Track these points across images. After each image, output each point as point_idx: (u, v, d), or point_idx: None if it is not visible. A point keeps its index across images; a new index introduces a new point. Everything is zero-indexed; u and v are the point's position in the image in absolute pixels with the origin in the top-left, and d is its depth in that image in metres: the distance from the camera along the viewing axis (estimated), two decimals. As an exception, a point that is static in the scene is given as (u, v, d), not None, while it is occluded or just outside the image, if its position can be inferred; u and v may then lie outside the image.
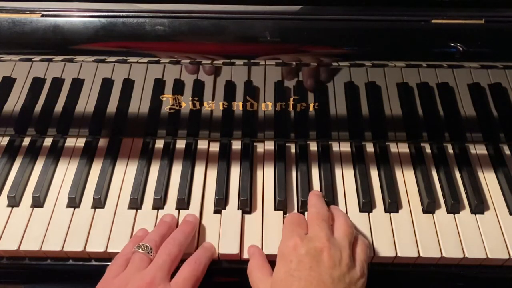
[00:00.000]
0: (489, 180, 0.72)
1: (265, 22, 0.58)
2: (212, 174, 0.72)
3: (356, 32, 0.59)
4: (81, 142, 0.75)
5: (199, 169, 0.72)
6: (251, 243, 0.64)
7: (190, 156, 0.73)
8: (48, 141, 0.75)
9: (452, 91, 0.68)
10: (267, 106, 0.70)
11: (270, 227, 0.65)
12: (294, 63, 0.61)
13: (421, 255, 0.63)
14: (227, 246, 0.63)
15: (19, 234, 0.64)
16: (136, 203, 0.68)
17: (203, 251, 0.62)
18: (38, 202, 0.68)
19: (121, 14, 0.58)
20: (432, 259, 0.63)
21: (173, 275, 0.58)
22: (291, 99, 0.69)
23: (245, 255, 0.63)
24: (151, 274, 0.56)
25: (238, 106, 0.70)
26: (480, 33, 0.58)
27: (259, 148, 0.75)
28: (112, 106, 0.71)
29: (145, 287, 0.54)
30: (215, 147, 0.75)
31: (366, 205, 0.68)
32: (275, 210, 0.68)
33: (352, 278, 0.55)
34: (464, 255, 0.63)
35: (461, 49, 0.58)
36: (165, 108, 0.71)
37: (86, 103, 0.70)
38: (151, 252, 0.59)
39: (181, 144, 0.75)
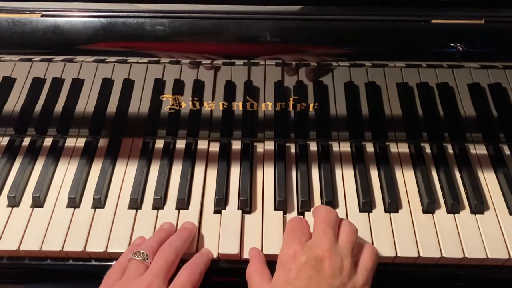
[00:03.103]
0: (489, 180, 0.72)
1: (265, 22, 0.58)
2: (212, 174, 0.72)
3: (356, 32, 0.59)
4: (81, 142, 0.75)
5: (199, 169, 0.72)
6: (251, 243, 0.64)
7: (190, 156, 0.73)
8: (48, 141, 0.75)
9: (452, 91, 0.68)
10: (267, 106, 0.70)
11: (270, 227, 0.65)
12: (294, 63, 0.61)
13: (421, 255, 0.63)
14: (227, 246, 0.63)
15: (19, 234, 0.64)
16: (136, 203, 0.68)
17: (201, 256, 0.62)
18: (38, 202, 0.68)
19: (121, 14, 0.58)
20: (432, 259, 0.63)
21: (171, 280, 0.58)
22: (291, 99, 0.69)
23: (245, 255, 0.63)
24: (147, 280, 0.55)
25: (238, 106, 0.70)
26: (480, 33, 0.58)
27: (259, 148, 0.75)
28: (112, 106, 0.71)
29: None
30: (215, 147, 0.75)
31: (366, 205, 0.68)
32: (275, 210, 0.68)
33: (353, 287, 0.54)
34: (464, 255, 0.63)
35: (461, 49, 0.58)
36: (165, 108, 0.71)
37: (86, 103, 0.71)
38: (147, 258, 0.58)
39: (181, 144, 0.75)
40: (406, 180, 0.72)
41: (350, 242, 0.57)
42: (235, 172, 0.72)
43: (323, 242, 0.56)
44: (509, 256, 0.63)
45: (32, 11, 0.58)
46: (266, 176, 0.72)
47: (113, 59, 0.60)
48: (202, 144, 0.76)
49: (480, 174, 0.73)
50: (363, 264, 0.57)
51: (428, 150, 0.75)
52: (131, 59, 0.60)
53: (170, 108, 0.71)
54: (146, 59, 0.60)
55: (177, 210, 0.68)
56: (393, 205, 0.67)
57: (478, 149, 0.76)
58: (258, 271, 0.59)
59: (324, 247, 0.55)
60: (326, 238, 0.56)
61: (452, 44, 0.58)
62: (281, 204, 0.68)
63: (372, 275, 0.57)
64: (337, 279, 0.53)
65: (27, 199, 0.68)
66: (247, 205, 0.67)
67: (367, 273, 0.56)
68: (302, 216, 0.66)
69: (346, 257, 0.55)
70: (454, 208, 0.67)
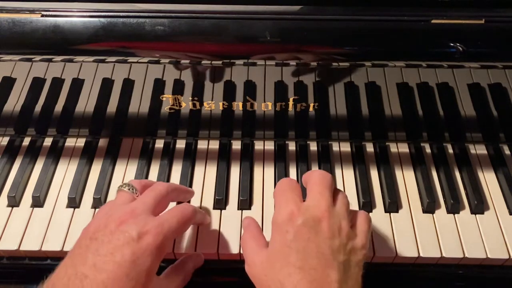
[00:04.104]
0: (489, 180, 0.72)
1: (265, 22, 0.58)
2: (212, 174, 0.72)
3: (356, 32, 0.59)
4: (81, 142, 0.75)
5: (199, 169, 0.72)
6: (251, 243, 0.64)
7: (190, 156, 0.73)
8: (48, 141, 0.75)
9: (452, 91, 0.68)
10: (267, 106, 0.70)
11: (270, 227, 0.65)
12: (294, 63, 0.61)
13: (421, 255, 0.63)
14: (227, 246, 0.63)
15: (19, 234, 0.64)
16: (136, 203, 0.68)
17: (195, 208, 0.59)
18: (38, 202, 0.68)
19: (121, 14, 0.58)
20: (432, 259, 0.63)
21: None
22: (291, 99, 0.69)
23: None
24: (133, 205, 0.54)
25: (238, 106, 0.70)
26: (480, 33, 0.58)
27: (259, 148, 0.75)
28: (112, 106, 0.71)
29: (125, 216, 0.52)
30: (215, 147, 0.75)
31: (366, 205, 0.68)
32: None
33: (352, 248, 0.53)
34: (464, 255, 0.63)
35: (461, 49, 0.58)
36: (165, 108, 0.71)
37: (86, 103, 0.71)
38: (135, 190, 0.57)
39: (181, 144, 0.75)
40: (406, 180, 0.72)
41: (346, 204, 0.56)
42: (235, 172, 0.72)
43: (321, 203, 0.54)
44: (509, 256, 0.63)
45: (32, 11, 0.58)
46: (266, 176, 0.72)
47: (113, 59, 0.60)
48: (202, 144, 0.76)
49: (480, 174, 0.73)
50: (360, 227, 0.55)
51: (428, 150, 0.75)
52: (131, 59, 0.60)
53: (170, 108, 0.71)
54: (146, 59, 0.60)
55: (177, 210, 0.68)
56: (393, 205, 0.67)
57: (478, 149, 0.76)
58: (254, 238, 0.57)
59: (322, 208, 0.53)
60: (323, 199, 0.54)
61: (452, 44, 0.58)
62: (281, 204, 0.67)
63: (368, 239, 0.56)
64: (336, 239, 0.52)
65: (27, 199, 0.68)
66: (247, 205, 0.68)
67: (364, 235, 0.55)
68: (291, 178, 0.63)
69: (344, 218, 0.54)
70: (454, 208, 0.67)
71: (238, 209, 0.68)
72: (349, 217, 0.55)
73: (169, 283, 0.58)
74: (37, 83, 0.68)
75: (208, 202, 0.69)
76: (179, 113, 0.71)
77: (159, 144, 0.75)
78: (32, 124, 0.75)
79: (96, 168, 0.72)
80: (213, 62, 0.60)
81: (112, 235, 0.50)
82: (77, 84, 0.68)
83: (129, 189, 0.57)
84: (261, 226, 0.66)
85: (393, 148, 0.76)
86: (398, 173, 0.72)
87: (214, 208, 0.68)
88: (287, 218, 0.53)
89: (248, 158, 0.73)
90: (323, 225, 0.52)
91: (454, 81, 0.66)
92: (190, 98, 0.69)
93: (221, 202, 0.68)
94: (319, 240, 0.51)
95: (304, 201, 0.55)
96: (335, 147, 0.75)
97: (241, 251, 0.63)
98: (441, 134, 0.75)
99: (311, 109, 0.70)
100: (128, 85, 0.68)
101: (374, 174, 0.72)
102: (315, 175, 0.57)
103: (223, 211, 0.67)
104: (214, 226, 0.66)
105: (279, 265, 0.51)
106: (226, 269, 0.64)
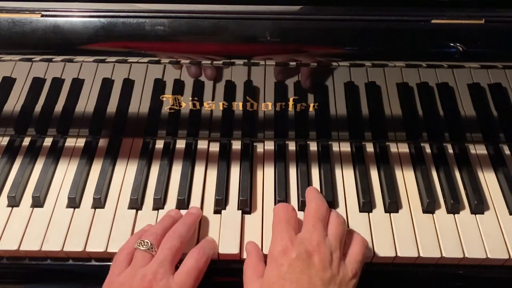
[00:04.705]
0: (489, 180, 0.72)
1: (265, 22, 0.58)
2: (212, 174, 0.72)
3: (356, 32, 0.59)
4: (81, 142, 0.75)
5: (199, 169, 0.72)
6: (251, 243, 0.64)
7: (190, 156, 0.73)
8: (48, 141, 0.75)
9: (452, 91, 0.68)
10: (267, 106, 0.70)
11: (270, 227, 0.65)
12: (294, 63, 0.61)
13: (421, 255, 0.63)
14: (227, 246, 0.63)
15: (19, 234, 0.64)
16: (136, 203, 0.68)
17: (207, 243, 0.62)
18: (38, 202, 0.68)
19: (121, 14, 0.58)
20: (432, 259, 0.63)
21: (177, 267, 0.59)
22: (291, 99, 0.69)
23: (245, 255, 0.63)
24: (153, 270, 0.56)
25: (238, 106, 0.70)
26: (480, 33, 0.58)
27: (259, 148, 0.75)
28: (112, 106, 0.71)
29: (147, 284, 0.55)
30: (215, 147, 0.75)
31: (366, 205, 0.68)
32: (275, 210, 0.68)
33: (342, 279, 0.56)
34: (464, 255, 0.63)
35: (461, 49, 0.58)
36: (165, 108, 0.71)
37: (86, 103, 0.71)
38: (152, 247, 0.59)
39: (181, 144, 0.75)
40: (406, 180, 0.72)
41: (339, 234, 0.59)
42: (235, 172, 0.72)
43: (313, 237, 0.58)
44: (509, 256, 0.63)
45: (32, 11, 0.58)
46: (266, 176, 0.72)
47: (113, 59, 0.60)
48: (202, 144, 0.76)
49: (480, 174, 0.73)
50: (353, 256, 0.59)
51: (428, 150, 0.75)
52: (131, 59, 0.60)
53: (170, 108, 0.71)
54: (146, 59, 0.60)
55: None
56: (393, 205, 0.67)
57: (478, 149, 0.76)
58: (252, 266, 0.60)
59: (313, 242, 0.57)
60: (315, 232, 0.58)
61: (452, 44, 0.58)
62: (281, 204, 0.67)
63: (362, 267, 0.59)
64: (327, 272, 0.55)
65: (27, 199, 0.68)
66: (247, 205, 0.68)
67: (356, 265, 0.58)
68: (288, 204, 0.65)
69: (335, 250, 0.57)
70: (454, 208, 0.67)
71: (238, 209, 0.68)
72: (341, 247, 0.59)
73: (188, 277, 0.58)
74: (37, 83, 0.68)
75: (208, 202, 0.69)
76: (179, 113, 0.71)
77: (159, 144, 0.75)
78: (32, 124, 0.75)
79: (96, 168, 0.72)
80: (213, 62, 0.60)
81: None
82: (77, 84, 0.68)
83: (146, 248, 0.59)
84: (260, 227, 0.66)
85: (393, 148, 0.76)
86: (398, 173, 0.72)
87: (214, 208, 0.68)
88: (282, 251, 0.57)
89: (248, 158, 0.73)
90: (314, 258, 0.56)
91: (454, 81, 0.66)
92: (190, 98, 0.69)
93: (221, 202, 0.67)
94: (311, 272, 0.55)
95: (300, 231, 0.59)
96: (335, 147, 0.75)
97: (241, 253, 0.63)
98: (441, 134, 0.75)
99: (311, 109, 0.70)
100: (128, 85, 0.68)
101: (374, 174, 0.72)
102: (311, 206, 0.62)
103: (223, 211, 0.67)
104: (214, 226, 0.66)
105: None
106: (226, 269, 0.64)
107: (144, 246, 0.59)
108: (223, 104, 0.70)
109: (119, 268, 0.58)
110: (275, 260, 0.57)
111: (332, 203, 0.68)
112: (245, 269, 0.60)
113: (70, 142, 0.76)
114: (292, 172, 0.72)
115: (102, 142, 0.75)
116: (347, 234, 0.62)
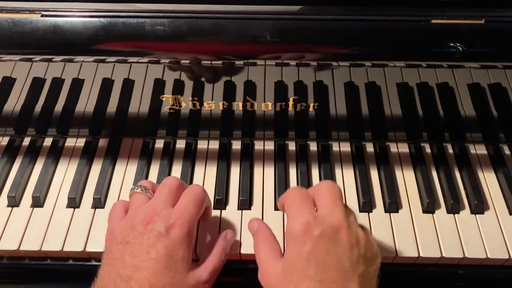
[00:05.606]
0: (489, 180, 0.72)
1: (265, 22, 0.58)
2: (212, 174, 0.72)
3: (356, 32, 0.59)
4: (81, 142, 0.75)
5: (199, 169, 0.72)
6: (251, 243, 0.64)
7: (190, 156, 0.73)
8: (48, 141, 0.75)
9: (452, 91, 0.68)
10: (267, 106, 0.70)
11: (270, 227, 0.65)
12: (294, 63, 0.61)
13: (421, 255, 0.63)
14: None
15: (19, 234, 0.64)
16: (136, 203, 0.68)
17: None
18: (38, 202, 0.68)
19: (121, 14, 0.58)
20: (432, 259, 0.63)
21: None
22: (291, 99, 0.69)
23: (244, 251, 0.63)
24: (152, 204, 0.56)
25: (238, 106, 0.70)
26: (480, 33, 0.58)
27: (259, 148, 0.75)
28: (112, 106, 0.71)
29: (149, 216, 0.54)
30: (215, 147, 0.75)
31: (366, 205, 0.68)
32: (275, 210, 0.68)
33: (370, 257, 0.51)
34: (464, 255, 0.63)
35: (461, 49, 0.58)
36: (165, 108, 0.71)
37: (86, 103, 0.71)
38: (147, 190, 0.58)
39: (181, 144, 0.75)
40: (406, 180, 0.72)
41: (354, 214, 0.55)
42: (235, 172, 0.72)
43: (336, 212, 0.52)
44: (509, 256, 0.63)
45: (32, 11, 0.58)
46: (266, 176, 0.72)
47: (113, 59, 0.60)
48: (202, 144, 0.76)
49: (480, 174, 0.73)
50: (370, 235, 0.55)
51: (428, 150, 0.75)
52: (131, 59, 0.61)
53: (170, 108, 0.71)
54: (146, 59, 0.60)
55: (177, 210, 0.68)
56: (393, 205, 0.67)
57: (478, 149, 0.76)
58: (268, 245, 0.56)
59: (339, 216, 0.51)
60: (337, 208, 0.52)
61: (452, 44, 0.58)
62: (281, 204, 0.68)
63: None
64: (355, 250, 0.50)
65: (27, 199, 0.68)
66: (247, 205, 0.68)
67: (374, 242, 0.54)
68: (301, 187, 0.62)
69: (358, 227, 0.53)
70: (454, 208, 0.67)
71: (238, 209, 0.68)
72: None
73: (207, 268, 0.58)
74: (37, 83, 0.68)
75: (208, 202, 0.69)
76: (179, 113, 0.71)
77: (159, 144, 0.75)
78: (32, 124, 0.75)
79: (96, 168, 0.72)
80: (213, 62, 0.60)
81: (142, 236, 0.53)
82: (77, 84, 0.68)
83: (142, 190, 0.59)
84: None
85: (393, 148, 0.76)
86: (398, 173, 0.72)
87: (214, 208, 0.68)
88: (303, 228, 0.51)
89: (248, 158, 0.73)
90: (341, 235, 0.51)
91: (454, 81, 0.66)
92: (190, 98, 0.69)
93: (221, 202, 0.67)
94: (338, 251, 0.50)
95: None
96: (335, 147, 0.75)
97: (241, 251, 0.63)
98: (441, 134, 0.75)
99: (311, 109, 0.70)
100: (128, 85, 0.68)
101: (374, 174, 0.72)
102: (324, 186, 0.55)
103: (223, 211, 0.67)
104: (214, 226, 0.66)
105: (297, 278, 0.50)
106: (226, 269, 0.64)
107: (139, 188, 0.59)
108: (223, 104, 0.70)
109: (118, 215, 0.58)
110: (295, 239, 0.51)
111: (332, 203, 0.68)
112: (258, 248, 0.56)
113: (70, 142, 0.76)
114: (292, 172, 0.72)
115: (102, 142, 0.75)
116: None
